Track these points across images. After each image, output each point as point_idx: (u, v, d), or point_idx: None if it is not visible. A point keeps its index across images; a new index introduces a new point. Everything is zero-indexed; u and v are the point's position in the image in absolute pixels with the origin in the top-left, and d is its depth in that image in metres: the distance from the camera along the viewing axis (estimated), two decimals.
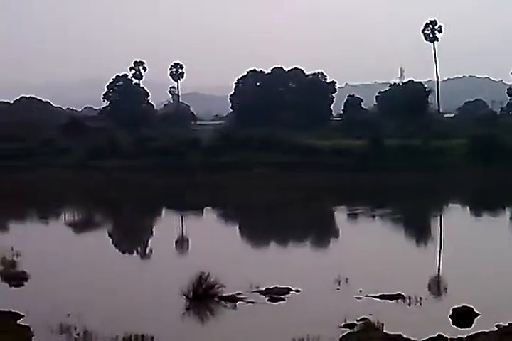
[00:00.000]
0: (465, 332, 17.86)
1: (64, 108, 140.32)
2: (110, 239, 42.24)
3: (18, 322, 19.91)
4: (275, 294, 22.83)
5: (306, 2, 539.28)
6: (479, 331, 17.68)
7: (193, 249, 35.67)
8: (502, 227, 43.56)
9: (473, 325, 18.92)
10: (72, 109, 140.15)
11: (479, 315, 19.60)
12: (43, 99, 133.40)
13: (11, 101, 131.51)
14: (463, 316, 19.57)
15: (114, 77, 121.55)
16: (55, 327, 18.76)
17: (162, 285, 24.43)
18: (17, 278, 26.04)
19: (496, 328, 17.83)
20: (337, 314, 19.56)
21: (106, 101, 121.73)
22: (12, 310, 20.80)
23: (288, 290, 23.22)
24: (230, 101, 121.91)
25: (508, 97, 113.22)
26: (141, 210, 55.58)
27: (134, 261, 33.84)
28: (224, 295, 22.37)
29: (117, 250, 38.13)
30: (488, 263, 28.37)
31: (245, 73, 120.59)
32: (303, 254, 33.77)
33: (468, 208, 53.96)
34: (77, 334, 18.31)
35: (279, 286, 23.46)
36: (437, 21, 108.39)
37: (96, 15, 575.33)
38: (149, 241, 40.48)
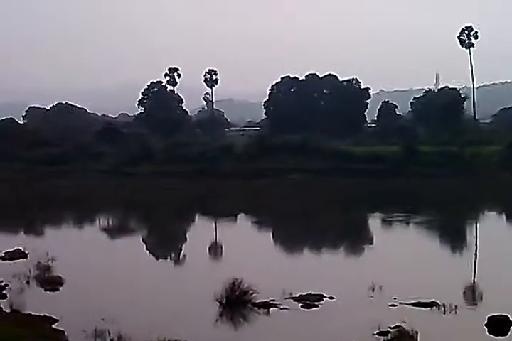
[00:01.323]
0: None
1: (99, 114, 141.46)
2: (144, 245, 42.46)
3: (52, 326, 20.09)
4: (308, 301, 22.79)
5: (343, 9, 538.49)
6: None
7: (226, 255, 35.75)
8: None
9: (509, 333, 18.76)
10: (107, 116, 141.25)
11: None
12: (78, 106, 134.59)
13: (48, 108, 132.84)
14: (499, 325, 19.38)
15: (148, 83, 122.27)
16: (90, 331, 18.88)
17: (196, 291, 24.50)
18: (52, 283, 26.27)
19: None
20: (370, 321, 19.45)
21: (140, 107, 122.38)
22: (47, 314, 21.01)
23: (321, 297, 23.17)
24: (264, 108, 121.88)
25: None
26: (175, 216, 55.80)
27: (168, 266, 33.98)
28: (257, 301, 22.37)
29: (151, 256, 38.31)
30: None
31: (279, 79, 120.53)
32: (337, 261, 33.70)
33: (504, 216, 53.41)
34: (111, 340, 18.43)
35: (312, 293, 23.41)
36: (473, 27, 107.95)
37: (132, 21, 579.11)
38: (183, 247, 40.62)
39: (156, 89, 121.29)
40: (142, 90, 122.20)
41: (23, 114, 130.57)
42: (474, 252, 36.44)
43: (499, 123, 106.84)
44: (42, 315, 21.02)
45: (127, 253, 36.13)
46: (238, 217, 54.25)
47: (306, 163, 77.85)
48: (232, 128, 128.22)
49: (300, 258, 35.65)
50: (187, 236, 46.24)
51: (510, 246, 37.25)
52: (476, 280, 27.18)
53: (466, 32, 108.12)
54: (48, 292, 25.34)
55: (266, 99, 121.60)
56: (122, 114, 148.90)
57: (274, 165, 78.11)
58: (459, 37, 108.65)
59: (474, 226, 48.44)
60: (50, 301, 23.60)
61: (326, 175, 72.66)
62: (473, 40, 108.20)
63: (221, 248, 38.94)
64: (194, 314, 21.46)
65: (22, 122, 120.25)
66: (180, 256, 37.29)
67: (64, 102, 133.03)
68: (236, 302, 22.18)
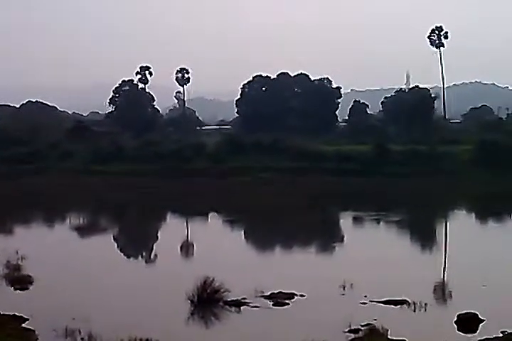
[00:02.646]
0: (470, 339, 17.85)
1: (70, 112, 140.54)
2: (115, 244, 42.31)
3: (22, 325, 19.95)
4: (280, 299, 22.85)
5: (312, 9, 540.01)
6: (484, 337, 17.67)
7: (198, 254, 35.73)
8: (507, 234, 43.53)
9: (478, 331, 18.90)
10: (78, 114, 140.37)
11: (484, 321, 19.59)
12: (49, 104, 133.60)
13: (18, 106, 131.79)
14: (468, 322, 19.55)
15: (119, 82, 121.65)
16: (60, 330, 18.78)
17: (167, 289, 24.46)
18: (22, 282, 26.08)
19: (501, 334, 17.81)
20: (342, 319, 19.53)
21: (112, 106, 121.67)
22: (17, 314, 20.85)
23: (293, 295, 23.23)
24: (236, 106, 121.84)
25: None
26: (146, 215, 55.57)
27: (140, 265, 33.87)
28: (229, 299, 22.39)
29: (122, 254, 38.18)
30: (494, 270, 28.26)
31: (251, 78, 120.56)
32: (308, 259, 33.75)
33: (473, 214, 53.90)
34: (82, 338, 18.34)
35: (283, 291, 23.47)
36: (443, 27, 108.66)
37: (106, 20, 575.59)
38: (154, 246, 40.51)
39: (127, 87, 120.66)
40: (113, 88, 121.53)
41: None
42: (443, 250, 36.74)
43: (469, 123, 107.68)
44: (11, 314, 20.85)
45: (98, 252, 35.96)
46: (210, 215, 54.20)
47: (277, 162, 77.77)
48: (204, 127, 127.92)
49: (271, 256, 35.72)
50: (158, 234, 46.12)
51: (478, 244, 37.58)
52: (445, 277, 27.39)
53: (437, 32, 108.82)
54: (18, 291, 25.15)
55: (238, 98, 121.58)
56: (93, 112, 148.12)
57: (245, 164, 77.98)
58: (429, 37, 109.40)
59: (444, 224, 48.86)
60: (19, 300, 23.43)
61: (298, 174, 72.62)
62: (444, 40, 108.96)
63: (193, 246, 38.93)
64: (165, 313, 21.43)
65: None
66: (152, 255, 37.22)
67: (34, 100, 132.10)
68: (207, 301, 22.17)
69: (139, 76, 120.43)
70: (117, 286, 25.91)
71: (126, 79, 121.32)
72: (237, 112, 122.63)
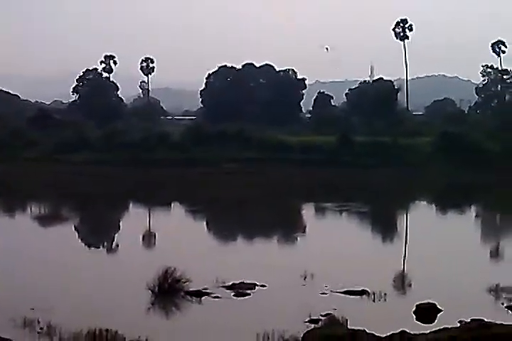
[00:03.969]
0: (428, 328, 17.99)
1: (32, 101, 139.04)
2: (76, 233, 41.98)
3: None
4: (241, 289, 22.84)
5: (282, 1, 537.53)
6: (442, 327, 17.82)
7: (159, 244, 35.62)
8: (467, 225, 44.01)
9: (436, 320, 19.07)
10: (40, 102, 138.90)
11: (442, 311, 19.78)
12: (11, 92, 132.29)
13: None
14: (426, 312, 19.73)
15: (83, 70, 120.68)
16: (18, 320, 18.58)
17: (128, 279, 24.34)
18: None
19: (458, 324, 17.96)
20: (302, 309, 19.60)
21: (75, 94, 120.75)
22: None
23: (254, 286, 23.24)
24: (201, 97, 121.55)
25: (476, 96, 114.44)
26: (109, 204, 55.28)
27: (100, 255, 33.68)
28: (190, 289, 22.33)
29: (83, 244, 37.86)
30: (453, 260, 28.56)
31: (216, 68, 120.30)
32: (270, 249, 33.83)
33: (434, 205, 54.43)
34: (41, 328, 18.15)
35: (245, 281, 23.46)
36: (408, 20, 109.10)
37: (75, 9, 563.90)
38: (116, 236, 40.27)
39: (91, 76, 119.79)
40: (77, 77, 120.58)
41: None
42: (404, 241, 37.03)
43: (431, 115, 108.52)
44: None
45: (59, 242, 35.67)
46: (172, 205, 54.11)
47: (241, 152, 77.85)
48: (168, 117, 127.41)
49: (234, 246, 35.73)
50: (120, 224, 45.89)
51: (438, 234, 37.94)
52: (405, 268, 27.60)
53: (401, 24, 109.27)
54: None
55: (202, 88, 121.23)
56: (56, 100, 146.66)
57: (209, 154, 77.98)
58: (393, 29, 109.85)
59: (405, 215, 49.25)
60: None
61: (261, 164, 72.78)
62: (408, 33, 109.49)
63: (154, 236, 38.79)
64: (126, 303, 21.34)
65: None
66: (113, 245, 37.00)
67: None
68: (168, 291, 22.10)
69: (104, 65, 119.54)
70: (78, 276, 25.73)
71: (91, 68, 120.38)
72: (201, 102, 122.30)
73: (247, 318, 19.52)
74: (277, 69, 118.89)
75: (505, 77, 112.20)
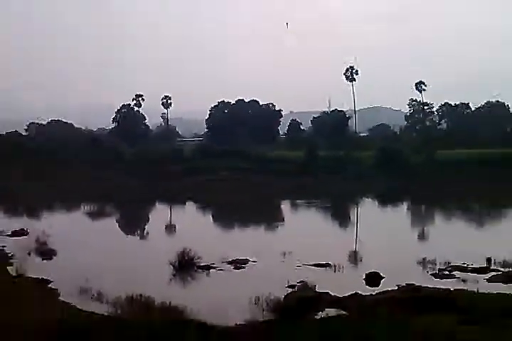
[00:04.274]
0: (374, 290, 18.02)
1: (83, 128, 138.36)
2: (117, 224, 41.89)
3: (48, 286, 19.67)
4: (238, 264, 22.88)
5: (265, 52, 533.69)
6: (384, 289, 17.87)
7: (178, 231, 35.54)
8: (401, 215, 44.16)
9: (380, 285, 19.11)
10: (89, 129, 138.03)
11: (384, 277, 19.82)
12: (67, 121, 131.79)
13: (44, 123, 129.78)
14: (372, 279, 19.78)
15: (120, 105, 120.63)
16: (77, 289, 18.52)
17: (155, 257, 24.24)
18: (48, 254, 25.76)
19: (396, 287, 18.01)
20: (283, 278, 19.60)
21: (114, 122, 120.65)
22: (44, 277, 20.54)
23: (247, 261, 23.28)
24: (206, 124, 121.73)
25: (405, 122, 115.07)
26: (140, 203, 55.11)
27: (135, 240, 33.62)
28: (200, 264, 22.35)
29: (123, 232, 37.82)
30: (391, 240, 28.62)
31: (217, 103, 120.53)
32: (259, 234, 33.85)
33: (376, 201, 54.51)
34: (93, 294, 18.11)
35: (241, 258, 23.51)
36: (354, 67, 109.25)
37: (107, 54, 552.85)
38: (146, 226, 40.22)
39: (125, 109, 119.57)
40: (116, 110, 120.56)
41: (25, 128, 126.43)
42: (355, 227, 37.09)
43: (373, 136, 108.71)
44: (40, 278, 20.54)
45: (105, 231, 35.59)
46: (187, 203, 53.98)
47: (234, 163, 77.76)
48: (182, 139, 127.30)
49: (232, 232, 35.73)
50: (149, 217, 45.81)
51: (380, 222, 38.03)
52: (357, 247, 27.63)
53: (350, 70, 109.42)
54: (44, 260, 24.79)
55: (207, 117, 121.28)
56: (100, 128, 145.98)
57: (213, 166, 77.82)
58: (344, 74, 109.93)
59: (355, 208, 49.31)
60: (46, 267, 23.04)
61: (249, 172, 72.64)
62: (355, 76, 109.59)
63: (174, 226, 38.70)
64: (154, 275, 21.26)
65: (24, 134, 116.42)
66: (144, 232, 36.95)
67: (56, 119, 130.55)
68: (185, 266, 22.11)
69: (134, 101, 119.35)
70: (119, 256, 25.70)
71: (125, 103, 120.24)
72: (206, 128, 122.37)
73: (243, 285, 19.48)
74: (261, 103, 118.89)
75: (425, 107, 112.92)
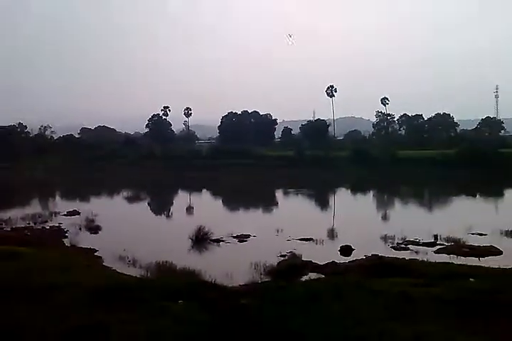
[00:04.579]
0: (347, 259, 18.03)
1: (123, 132, 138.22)
2: (149, 206, 41.89)
3: (95, 254, 19.70)
4: (242, 238, 22.90)
5: (265, 67, 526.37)
6: (354, 258, 17.89)
7: (196, 212, 35.55)
8: (368, 201, 44.10)
9: (351, 255, 19.13)
10: (127, 133, 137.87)
11: (355, 249, 19.84)
12: (110, 127, 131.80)
13: (92, 128, 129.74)
14: (346, 250, 19.81)
15: (151, 114, 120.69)
16: (116, 257, 18.57)
17: (178, 233, 24.31)
18: (94, 229, 25.79)
19: (364, 257, 18.04)
20: (276, 249, 19.63)
21: (147, 128, 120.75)
22: (91, 247, 20.59)
23: (249, 236, 23.29)
24: (218, 129, 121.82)
25: (373, 129, 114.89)
26: (167, 191, 55.11)
27: (163, 219, 33.64)
28: (212, 238, 22.36)
29: (153, 213, 37.82)
30: (361, 220, 28.65)
31: (226, 113, 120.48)
32: (257, 215, 33.83)
33: (350, 190, 54.45)
34: (129, 261, 18.14)
35: (244, 233, 23.52)
36: (334, 85, 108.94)
37: (140, 72, 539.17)
38: (171, 208, 40.22)
39: (156, 118, 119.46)
40: (148, 118, 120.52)
41: (78, 132, 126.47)
42: (333, 209, 37.07)
43: (348, 139, 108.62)
44: (89, 247, 20.59)
45: (139, 212, 35.62)
46: (203, 191, 53.94)
47: (240, 160, 77.79)
48: (200, 141, 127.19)
49: (237, 214, 35.71)
50: (173, 201, 45.79)
51: (352, 206, 38.00)
52: (334, 225, 27.64)
53: (330, 88, 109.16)
54: (92, 234, 24.82)
55: (219, 125, 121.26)
56: (136, 132, 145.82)
57: (223, 162, 77.82)
58: (326, 91, 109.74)
59: (333, 195, 49.25)
60: (93, 240, 23.08)
61: (252, 167, 72.66)
62: (334, 93, 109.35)
63: (193, 208, 38.71)
64: (176, 246, 21.28)
65: (77, 136, 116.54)
66: (169, 213, 36.93)
67: (102, 125, 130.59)
68: (201, 239, 22.13)
69: (163, 111, 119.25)
70: (150, 231, 25.73)
71: (155, 113, 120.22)
72: (218, 133, 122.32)
73: (245, 254, 19.48)
74: (261, 114, 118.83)
75: (388, 117, 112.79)
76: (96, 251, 20.06)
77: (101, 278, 12.60)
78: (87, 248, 20.45)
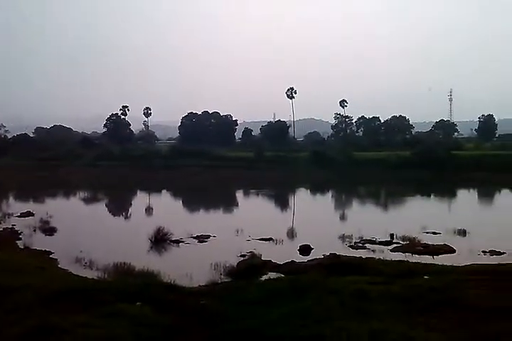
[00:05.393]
0: (305, 258, 18.21)
1: (80, 131, 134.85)
2: (106, 207, 40.99)
3: (49, 256, 19.13)
4: (201, 238, 22.76)
5: (226, 68, 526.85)
6: (313, 257, 18.09)
7: (155, 214, 35.06)
8: (327, 201, 44.71)
9: (310, 254, 19.33)
10: (85, 132, 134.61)
11: (313, 248, 20.06)
12: (67, 126, 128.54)
13: (48, 127, 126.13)
14: (304, 249, 20.00)
15: (110, 114, 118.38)
16: (72, 259, 18.10)
17: (136, 233, 23.91)
18: (49, 231, 25.04)
19: (322, 256, 18.26)
20: (236, 249, 19.62)
21: (105, 128, 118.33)
22: (46, 249, 19.98)
23: (209, 236, 23.19)
24: (178, 130, 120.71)
25: (331, 130, 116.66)
26: (125, 191, 54.06)
27: (121, 219, 33.00)
28: (172, 239, 22.13)
29: (111, 213, 37.03)
30: (319, 220, 29.01)
31: (186, 114, 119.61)
32: (218, 215, 33.71)
33: (309, 191, 55.03)
34: (85, 263, 17.72)
35: (203, 234, 23.39)
36: (294, 87, 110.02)
37: (99, 70, 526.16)
38: (129, 208, 39.49)
39: (114, 117, 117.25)
40: (106, 118, 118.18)
41: (33, 131, 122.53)
42: (293, 209, 37.35)
43: (307, 141, 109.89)
44: (43, 249, 19.97)
45: (96, 213, 34.79)
46: (162, 192, 53.31)
47: (200, 161, 77.33)
48: (159, 141, 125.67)
49: (197, 214, 35.44)
50: (132, 202, 44.99)
51: (311, 206, 38.41)
52: (293, 225, 27.86)
53: (290, 90, 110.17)
54: (47, 236, 24.08)
55: (179, 125, 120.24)
56: (94, 131, 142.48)
57: (183, 163, 77.16)
58: (286, 93, 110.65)
59: (293, 196, 49.64)
60: (48, 241, 22.40)
61: (212, 168, 72.35)
62: (294, 95, 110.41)
63: (152, 209, 38.15)
64: (136, 247, 20.96)
65: (32, 136, 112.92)
66: (128, 213, 36.26)
67: (58, 124, 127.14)
68: (160, 240, 21.86)
69: (121, 111, 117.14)
70: (107, 232, 25.20)
71: (114, 112, 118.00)
72: (179, 133, 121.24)
73: (205, 254, 19.38)
74: (221, 114, 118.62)
75: (346, 120, 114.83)
76: (51, 253, 19.48)
77: (55, 281, 12.24)
78: (41, 250, 19.82)
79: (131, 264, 16.52)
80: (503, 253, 18.74)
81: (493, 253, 18.85)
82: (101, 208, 39.05)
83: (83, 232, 24.80)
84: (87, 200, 44.53)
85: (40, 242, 21.54)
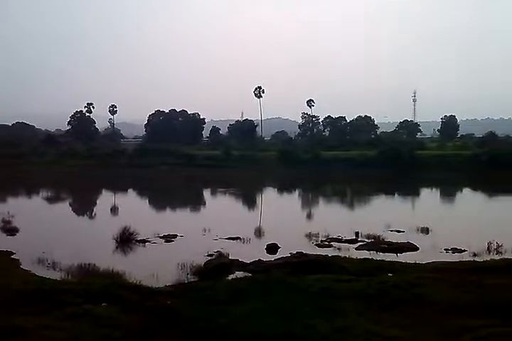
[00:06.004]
0: (273, 257, 18.31)
1: (43, 129, 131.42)
2: (70, 207, 40.14)
3: (11, 257, 18.62)
4: (168, 238, 22.59)
5: (195, 66, 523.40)
6: (280, 256, 18.21)
7: (120, 213, 34.54)
8: (294, 199, 45.04)
9: (277, 253, 19.44)
10: (48, 130, 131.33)
11: (280, 247, 20.18)
12: (29, 123, 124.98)
13: (10, 124, 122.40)
14: (272, 248, 20.10)
15: (74, 111, 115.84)
16: (35, 259, 17.67)
17: (101, 233, 23.53)
18: (11, 231, 24.36)
19: (289, 254, 18.40)
20: (203, 249, 19.56)
21: (69, 125, 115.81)
22: (8, 250, 19.43)
23: (176, 236, 23.03)
24: (145, 128, 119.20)
25: (299, 130, 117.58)
26: (90, 191, 53.04)
27: (86, 219, 32.38)
28: (138, 239, 21.88)
29: (75, 213, 36.28)
30: (286, 219, 29.15)
31: (154, 111, 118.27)
32: (184, 215, 33.51)
33: (276, 189, 55.28)
34: (49, 264, 17.34)
35: (170, 233, 23.22)
36: (261, 86, 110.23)
37: (62, 66, 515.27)
38: (94, 208, 38.79)
39: (78, 115, 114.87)
40: (70, 115, 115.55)
41: None
42: (260, 208, 37.44)
43: (275, 140, 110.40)
44: (4, 250, 19.41)
45: (60, 212, 34.03)
46: (128, 191, 52.57)
47: (167, 160, 76.65)
48: (125, 140, 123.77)
49: (164, 213, 35.16)
50: (97, 202, 44.17)
51: (278, 205, 38.57)
52: (261, 224, 27.92)
53: (258, 89, 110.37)
54: (9, 236, 23.42)
55: (145, 123, 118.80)
56: (57, 129, 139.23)
57: (150, 161, 76.31)
58: (254, 92, 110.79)
59: (261, 194, 49.77)
60: (10, 242, 21.79)
61: (180, 166, 71.81)
62: (262, 94, 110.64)
63: (117, 208, 37.58)
64: (100, 247, 20.63)
65: None
66: (93, 213, 35.62)
67: (20, 121, 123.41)
68: (125, 240, 21.58)
69: (86, 108, 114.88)
70: (71, 232, 24.68)
71: (78, 110, 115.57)
72: (145, 131, 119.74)
73: (172, 254, 19.25)
74: (189, 112, 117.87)
75: (313, 119, 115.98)
76: (13, 253, 18.95)
77: (17, 282, 11.93)
78: (2, 250, 19.26)
79: (96, 265, 16.26)
80: (464, 250, 19.30)
81: (454, 250, 19.40)
82: (64, 208, 38.21)
83: (46, 232, 24.23)
84: (50, 200, 43.49)
85: (1, 242, 20.92)
